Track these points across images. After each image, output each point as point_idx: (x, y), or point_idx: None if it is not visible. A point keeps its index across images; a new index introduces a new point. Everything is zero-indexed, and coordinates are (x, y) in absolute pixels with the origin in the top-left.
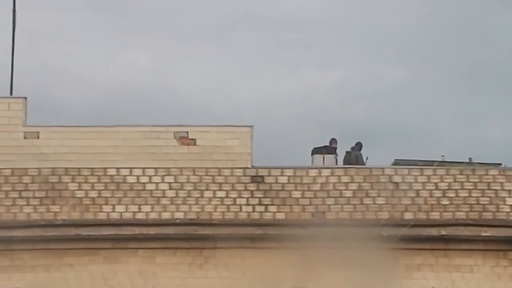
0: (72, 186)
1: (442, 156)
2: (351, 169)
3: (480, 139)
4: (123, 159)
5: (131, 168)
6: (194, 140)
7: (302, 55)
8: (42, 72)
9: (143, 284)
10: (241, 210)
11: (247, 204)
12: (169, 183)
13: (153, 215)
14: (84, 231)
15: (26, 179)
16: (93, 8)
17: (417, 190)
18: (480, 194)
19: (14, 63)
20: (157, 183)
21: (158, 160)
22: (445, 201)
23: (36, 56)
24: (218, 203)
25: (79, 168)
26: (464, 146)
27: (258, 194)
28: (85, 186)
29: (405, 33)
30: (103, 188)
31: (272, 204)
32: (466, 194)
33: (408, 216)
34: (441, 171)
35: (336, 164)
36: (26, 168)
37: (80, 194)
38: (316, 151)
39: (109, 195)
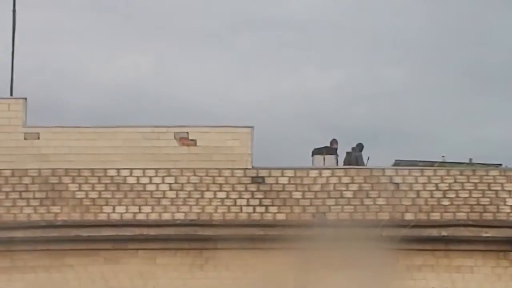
0: (73, 187)
1: (443, 156)
2: (351, 169)
3: (481, 139)
4: (124, 159)
5: (131, 169)
6: (194, 140)
7: (302, 56)
8: (42, 72)
9: (143, 285)
10: (241, 211)
11: (248, 205)
12: (170, 184)
13: (153, 216)
14: (84, 232)
15: (26, 180)
16: (94, 9)
17: (418, 191)
18: (480, 195)
19: (14, 63)
20: (157, 184)
21: (158, 160)
22: (445, 202)
23: (36, 57)
24: (219, 204)
25: (79, 169)
26: (464, 146)
27: (259, 195)
28: (86, 187)
29: (406, 34)
30: (103, 189)
31: (272, 205)
32: (467, 195)
33: (408, 216)
34: (441, 172)
35: (337, 164)
36: (26, 169)
37: (80, 195)
38: (316, 151)
39: (109, 196)
